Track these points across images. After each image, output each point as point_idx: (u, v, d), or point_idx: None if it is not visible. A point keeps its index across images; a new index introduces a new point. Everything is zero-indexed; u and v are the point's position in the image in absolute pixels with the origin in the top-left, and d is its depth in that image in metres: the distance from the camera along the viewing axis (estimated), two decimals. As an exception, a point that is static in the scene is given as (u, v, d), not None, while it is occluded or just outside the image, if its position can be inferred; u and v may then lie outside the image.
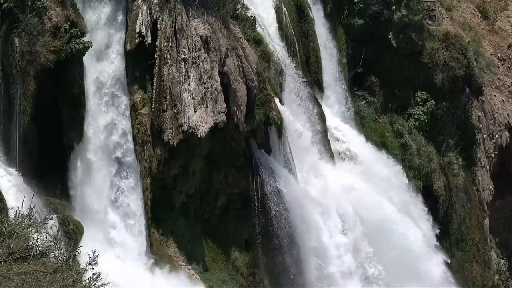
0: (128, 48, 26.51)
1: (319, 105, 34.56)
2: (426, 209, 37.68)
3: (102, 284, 11.14)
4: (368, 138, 37.38)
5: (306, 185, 32.05)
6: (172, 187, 28.20)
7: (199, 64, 27.45)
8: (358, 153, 36.16)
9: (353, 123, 37.65)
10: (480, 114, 43.63)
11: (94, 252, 11.30)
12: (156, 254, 26.96)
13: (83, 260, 11.71)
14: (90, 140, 25.62)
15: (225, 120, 27.72)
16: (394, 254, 34.08)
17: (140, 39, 26.59)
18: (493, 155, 44.86)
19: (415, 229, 35.68)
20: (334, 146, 35.43)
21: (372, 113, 39.09)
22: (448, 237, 39.72)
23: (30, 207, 12.43)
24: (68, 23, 24.18)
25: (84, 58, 24.95)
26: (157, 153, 26.92)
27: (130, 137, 26.61)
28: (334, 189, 33.28)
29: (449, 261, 37.74)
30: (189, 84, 27.15)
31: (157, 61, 26.86)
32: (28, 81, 23.44)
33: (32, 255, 11.71)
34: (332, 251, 31.71)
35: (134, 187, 26.54)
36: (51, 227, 21.35)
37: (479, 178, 42.96)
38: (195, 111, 26.99)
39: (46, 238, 12.29)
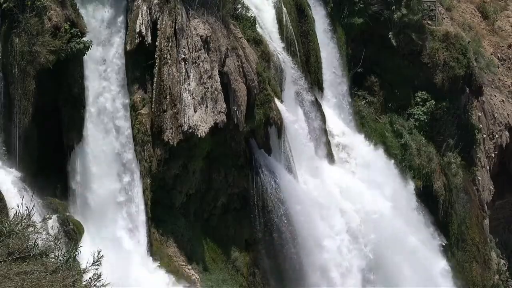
0: (128, 48, 26.50)
1: (319, 105, 34.55)
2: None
3: (103, 284, 11.12)
4: (368, 137, 37.37)
5: (306, 185, 32.04)
6: (172, 187, 28.19)
7: (199, 64, 27.44)
8: (357, 153, 36.16)
9: (353, 123, 37.64)
10: (480, 114, 43.63)
11: (99, 252, 11.26)
12: (156, 254, 26.95)
13: (84, 260, 11.68)
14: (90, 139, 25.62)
15: (225, 120, 27.70)
16: (395, 254, 34.10)
17: (140, 39, 26.59)
18: (493, 155, 44.84)
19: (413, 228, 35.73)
20: (334, 145, 35.42)
21: (372, 113, 39.09)
22: (448, 237, 39.72)
23: (27, 207, 12.39)
24: (68, 23, 24.16)
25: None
26: (157, 153, 26.91)
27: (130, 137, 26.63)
28: (334, 188, 33.28)
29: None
30: (189, 84, 27.14)
31: (157, 61, 26.86)
32: (28, 81, 23.42)
33: (32, 255, 11.68)
34: (332, 250, 31.70)
35: (134, 187, 26.53)
36: (52, 227, 21.39)
37: (479, 178, 42.96)
38: (195, 111, 26.98)
39: (47, 238, 12.27)
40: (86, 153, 25.44)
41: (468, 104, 42.53)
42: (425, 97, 40.05)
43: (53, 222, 22.25)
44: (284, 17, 33.66)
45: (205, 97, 27.28)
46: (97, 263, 11.13)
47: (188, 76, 27.22)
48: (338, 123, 36.47)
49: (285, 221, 30.32)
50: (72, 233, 23.34)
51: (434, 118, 40.37)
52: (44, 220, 12.53)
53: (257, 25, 31.84)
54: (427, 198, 38.50)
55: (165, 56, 26.90)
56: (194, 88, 27.13)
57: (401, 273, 34.00)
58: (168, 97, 26.81)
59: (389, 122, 39.45)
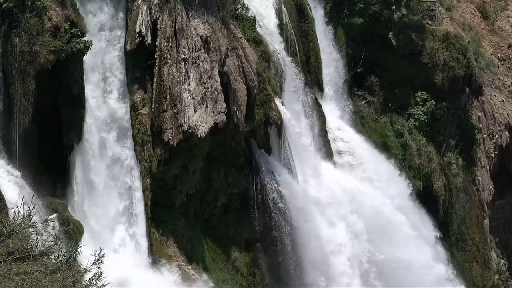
0: (128, 48, 26.50)
1: (319, 105, 34.55)
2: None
3: (103, 284, 11.10)
4: (368, 138, 37.37)
5: (306, 185, 32.04)
6: (172, 187, 28.19)
7: (199, 64, 27.43)
8: (357, 153, 36.16)
9: (353, 123, 37.64)
10: (480, 114, 43.63)
11: (100, 251, 11.24)
12: (156, 254, 26.95)
13: (85, 260, 11.67)
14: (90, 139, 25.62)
15: (225, 120, 27.70)
16: (394, 254, 34.10)
17: (140, 39, 26.58)
18: (493, 155, 44.84)
19: (415, 230, 35.72)
20: (334, 146, 35.42)
21: (372, 113, 39.09)
22: (448, 237, 39.72)
23: (29, 207, 12.38)
24: (68, 23, 24.16)
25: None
26: (157, 153, 26.91)
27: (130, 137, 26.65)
28: (334, 188, 33.27)
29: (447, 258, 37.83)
30: (189, 84, 27.14)
31: (157, 61, 26.85)
32: (28, 81, 23.42)
33: (32, 255, 11.68)
34: (332, 250, 31.70)
35: (134, 187, 26.52)
36: (53, 227, 21.36)
37: (479, 178, 42.95)
38: (195, 111, 26.98)
39: (47, 238, 12.26)
40: (86, 153, 25.44)
41: (468, 104, 42.53)
42: (425, 97, 40.05)
43: (53, 223, 22.21)
44: (284, 17, 33.65)
45: (205, 97, 27.28)
46: (99, 262, 11.11)
47: (188, 76, 27.21)
48: (338, 123, 36.47)
49: (285, 221, 30.32)
50: (72, 233, 23.34)
51: (434, 118, 40.36)
52: (46, 221, 12.51)
53: (257, 25, 31.83)
54: (427, 198, 38.49)
55: (165, 56, 26.89)
56: (194, 88, 27.13)
57: (402, 270, 34.00)
58: (168, 97, 26.81)
59: (389, 122, 39.45)
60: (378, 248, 33.35)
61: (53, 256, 11.72)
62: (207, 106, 27.31)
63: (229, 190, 29.86)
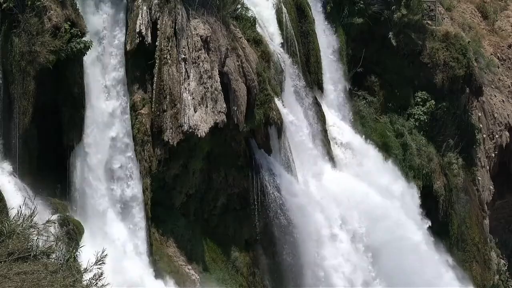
0: (128, 48, 26.49)
1: (319, 105, 34.54)
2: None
3: (103, 284, 11.10)
4: (368, 138, 37.36)
5: (306, 185, 32.03)
6: (172, 187, 28.19)
7: (199, 64, 27.43)
8: (357, 153, 36.15)
9: (353, 123, 37.62)
10: (480, 114, 43.64)
11: (102, 251, 11.24)
12: (156, 254, 26.95)
13: (85, 260, 11.66)
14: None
15: (225, 120, 27.71)
16: (394, 253, 34.09)
17: (140, 39, 26.57)
18: (493, 155, 44.84)
19: (414, 226, 35.71)
20: (334, 146, 35.42)
21: (372, 113, 39.07)
22: (448, 237, 39.72)
23: (32, 208, 12.38)
24: (68, 23, 24.15)
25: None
26: (157, 153, 26.91)
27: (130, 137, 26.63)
28: (334, 188, 33.27)
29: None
30: (189, 84, 27.14)
31: (157, 61, 26.85)
32: (28, 81, 23.41)
33: (32, 255, 11.68)
34: (332, 250, 31.69)
35: (134, 187, 26.50)
36: (54, 227, 21.37)
37: (479, 178, 42.95)
38: (195, 111, 26.98)
39: (48, 238, 12.26)
40: (86, 153, 25.42)
41: (468, 104, 42.54)
42: (425, 97, 40.05)
43: (54, 223, 22.21)
44: (284, 17, 33.65)
45: (205, 97, 27.29)
46: (100, 262, 11.11)
47: (188, 76, 27.22)
48: (338, 123, 36.45)
49: (285, 221, 30.32)
50: (72, 233, 23.34)
51: (434, 118, 40.37)
52: (48, 222, 12.51)
53: (257, 25, 31.83)
54: (427, 198, 38.48)
55: (165, 56, 26.89)
56: (194, 88, 27.13)
57: (403, 273, 33.97)
58: (168, 97, 26.81)
59: (389, 122, 39.45)
60: (378, 248, 33.32)
61: (53, 256, 11.72)
62: (207, 106, 27.31)
63: (229, 190, 29.87)
